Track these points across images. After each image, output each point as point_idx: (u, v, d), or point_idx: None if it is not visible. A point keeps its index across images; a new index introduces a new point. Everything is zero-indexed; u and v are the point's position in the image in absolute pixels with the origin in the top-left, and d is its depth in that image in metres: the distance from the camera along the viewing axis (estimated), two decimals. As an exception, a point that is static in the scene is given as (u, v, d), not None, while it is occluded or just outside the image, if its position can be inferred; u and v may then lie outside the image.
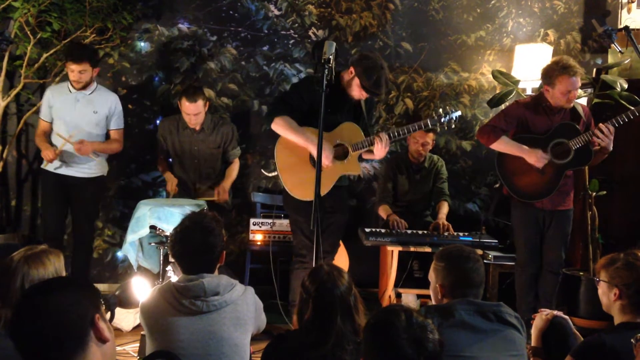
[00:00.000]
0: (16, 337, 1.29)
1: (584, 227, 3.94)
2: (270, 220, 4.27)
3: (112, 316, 2.52)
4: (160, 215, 3.21)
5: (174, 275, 3.05)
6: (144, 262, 3.51)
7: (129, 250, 3.41)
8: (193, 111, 3.94)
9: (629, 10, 4.68)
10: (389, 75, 3.28)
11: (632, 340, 1.77)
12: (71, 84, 3.80)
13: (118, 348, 3.24)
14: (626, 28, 3.49)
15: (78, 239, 3.98)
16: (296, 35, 4.67)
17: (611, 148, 3.41)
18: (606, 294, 2.16)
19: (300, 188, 3.22)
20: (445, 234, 3.84)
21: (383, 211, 4.13)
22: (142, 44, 4.58)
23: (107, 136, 3.96)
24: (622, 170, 4.17)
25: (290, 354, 1.99)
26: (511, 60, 4.56)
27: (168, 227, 3.17)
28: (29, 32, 4.06)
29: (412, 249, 3.77)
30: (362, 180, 4.75)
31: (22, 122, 4.32)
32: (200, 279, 2.11)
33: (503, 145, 3.52)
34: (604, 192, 3.92)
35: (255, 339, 2.32)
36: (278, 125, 3.22)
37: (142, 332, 2.80)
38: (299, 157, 3.25)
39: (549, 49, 4.44)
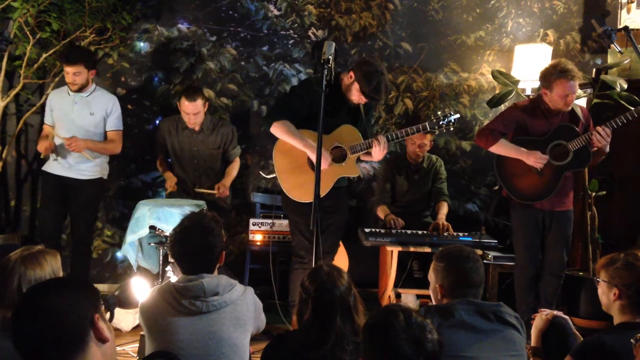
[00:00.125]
0: (16, 337, 1.29)
1: (583, 227, 3.94)
2: (269, 221, 4.27)
3: (112, 316, 2.52)
4: (159, 216, 3.21)
5: (173, 276, 3.05)
6: (143, 262, 3.51)
7: (129, 251, 3.41)
8: (192, 110, 3.94)
9: (628, 11, 4.68)
10: (388, 80, 3.29)
11: (631, 340, 1.77)
12: (68, 87, 3.81)
13: (117, 348, 3.23)
14: (626, 28, 3.49)
15: (76, 240, 3.98)
16: (296, 36, 4.67)
17: (608, 149, 3.41)
18: (606, 294, 2.16)
19: (299, 190, 3.23)
20: (445, 234, 3.84)
21: (381, 212, 4.13)
22: (142, 44, 4.58)
23: (105, 137, 3.95)
24: (622, 170, 4.16)
25: (289, 354, 1.99)
26: (511, 60, 4.56)
27: (167, 228, 3.17)
28: (28, 33, 4.06)
29: (411, 249, 3.77)
30: (361, 181, 4.75)
31: (22, 122, 4.32)
32: (199, 279, 2.11)
33: (501, 148, 3.53)
34: (604, 192, 3.92)
35: (254, 339, 2.32)
36: (277, 130, 3.23)
37: (141, 333, 2.80)
38: (297, 159, 3.26)
39: (549, 49, 4.44)
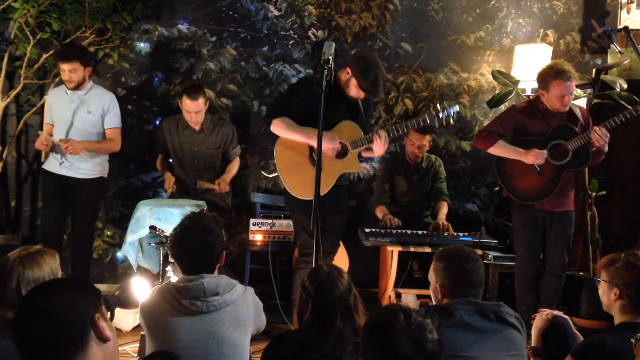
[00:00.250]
0: (17, 337, 1.30)
1: (583, 227, 3.95)
2: (270, 221, 4.27)
3: (112, 316, 2.52)
4: (160, 216, 3.21)
5: (173, 276, 3.05)
6: (143, 262, 3.51)
7: (129, 251, 3.41)
8: (194, 109, 3.95)
9: (628, 11, 4.68)
10: (385, 74, 3.29)
11: (632, 340, 1.77)
12: (66, 85, 3.80)
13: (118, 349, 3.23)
14: (626, 28, 3.49)
15: (77, 239, 3.98)
16: (296, 36, 4.67)
17: (606, 149, 3.41)
18: (606, 294, 2.16)
19: (301, 187, 3.22)
20: (445, 234, 3.84)
21: (380, 212, 4.14)
22: (142, 44, 4.58)
23: (104, 136, 3.94)
24: (622, 170, 4.17)
25: (290, 354, 1.99)
26: (511, 60, 4.56)
27: (168, 228, 3.17)
28: (28, 33, 4.07)
29: (412, 249, 3.77)
30: (362, 181, 4.76)
31: (22, 122, 4.32)
32: (200, 279, 2.11)
33: (500, 150, 3.53)
34: (604, 192, 3.92)
35: (255, 339, 2.32)
36: (277, 127, 3.23)
37: (141, 333, 2.80)
38: (299, 156, 3.26)
39: (549, 50, 4.44)
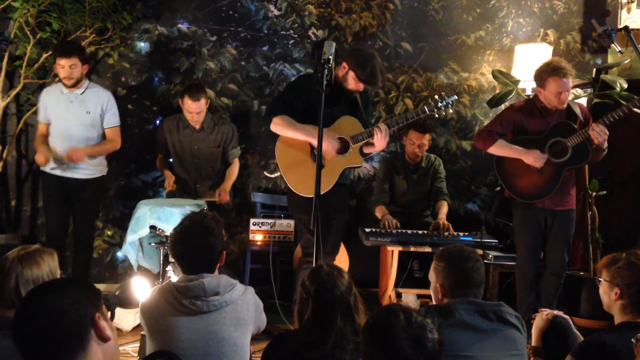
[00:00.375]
0: (17, 337, 1.30)
1: (584, 227, 3.95)
2: (270, 220, 4.27)
3: (112, 316, 2.52)
4: (160, 216, 3.21)
5: (174, 276, 3.05)
6: (144, 262, 3.51)
7: (129, 251, 3.41)
8: (195, 109, 3.95)
9: (628, 10, 4.68)
10: (382, 63, 3.28)
11: (632, 340, 1.77)
12: (63, 84, 3.75)
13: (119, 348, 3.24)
14: (626, 28, 3.49)
15: (78, 239, 3.97)
16: (296, 36, 4.67)
17: (606, 146, 3.41)
18: (607, 294, 2.16)
19: (304, 185, 3.21)
20: (446, 234, 3.84)
21: (379, 212, 4.14)
22: (142, 44, 4.58)
23: (104, 135, 3.94)
24: (622, 170, 4.17)
25: (290, 354, 1.99)
26: (511, 60, 4.56)
27: (168, 227, 3.17)
28: (28, 32, 4.06)
29: (412, 249, 3.77)
30: (362, 180, 4.76)
31: (22, 122, 4.32)
32: (200, 279, 2.11)
33: (500, 149, 3.53)
34: (604, 192, 3.92)
35: (255, 339, 2.32)
36: (277, 125, 3.23)
37: (142, 332, 2.80)
38: (300, 154, 3.26)
39: (549, 49, 4.44)
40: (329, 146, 3.15)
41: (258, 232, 4.29)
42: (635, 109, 3.40)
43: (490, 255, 3.96)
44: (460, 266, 2.09)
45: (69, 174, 3.82)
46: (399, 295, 3.92)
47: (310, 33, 4.67)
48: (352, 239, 3.99)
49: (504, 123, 3.56)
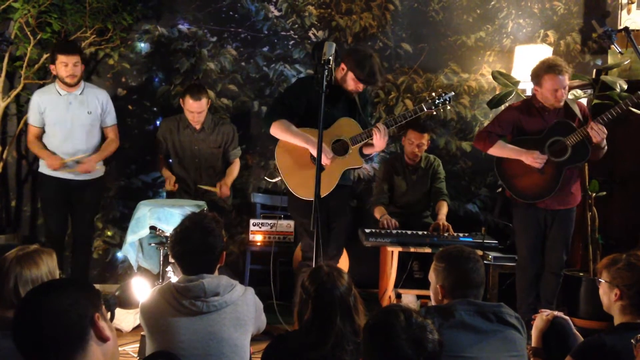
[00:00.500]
0: (17, 337, 1.30)
1: (583, 227, 3.94)
2: (270, 221, 4.27)
3: (112, 317, 2.53)
4: (160, 216, 3.21)
5: (174, 276, 3.05)
6: (144, 262, 3.50)
7: (129, 251, 3.41)
8: (197, 109, 3.95)
9: (628, 11, 4.68)
10: (380, 62, 3.29)
11: (632, 340, 1.77)
12: (65, 83, 3.72)
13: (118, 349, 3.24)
14: (626, 29, 3.49)
15: (78, 239, 3.97)
16: (296, 36, 4.67)
17: (605, 144, 3.41)
18: (607, 295, 2.17)
19: (304, 187, 3.21)
20: (445, 234, 3.84)
21: (378, 212, 4.14)
22: (142, 44, 4.58)
23: (101, 134, 3.94)
24: (622, 170, 4.17)
25: (290, 354, 1.99)
26: (511, 61, 4.56)
27: (168, 228, 3.17)
28: (29, 33, 4.07)
29: (412, 249, 3.77)
30: (362, 181, 4.76)
31: (22, 122, 4.31)
32: (200, 280, 2.11)
33: (500, 150, 3.54)
34: (604, 193, 3.92)
35: (255, 339, 2.32)
36: (276, 129, 3.23)
37: (142, 333, 2.80)
38: (300, 157, 3.26)
39: (549, 50, 4.44)
40: (323, 157, 3.08)
41: (258, 233, 4.29)
42: (633, 109, 3.40)
43: (490, 256, 3.96)
44: (460, 267, 2.09)
45: (70, 175, 3.81)
46: (398, 296, 3.92)
47: (310, 34, 4.68)
48: (352, 240, 3.99)
49: (502, 124, 3.56)
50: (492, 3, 4.75)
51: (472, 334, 1.98)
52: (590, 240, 3.91)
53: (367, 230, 3.82)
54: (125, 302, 2.74)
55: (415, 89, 4.75)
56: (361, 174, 4.74)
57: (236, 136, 4.22)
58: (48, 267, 2.07)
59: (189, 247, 2.20)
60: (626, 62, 4.08)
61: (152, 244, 3.39)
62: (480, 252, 3.73)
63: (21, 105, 4.46)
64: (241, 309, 2.16)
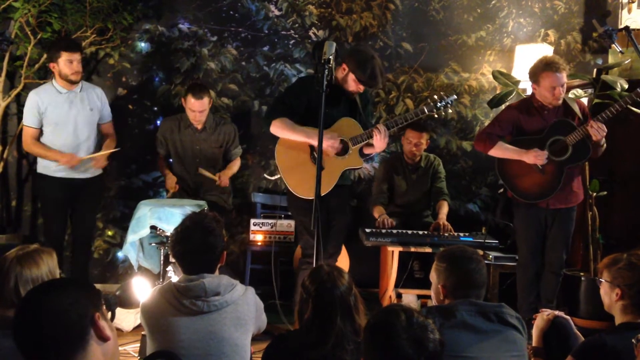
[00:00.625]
0: (17, 336, 1.31)
1: (584, 227, 3.94)
2: (270, 221, 4.27)
3: (113, 316, 2.52)
4: (160, 216, 3.21)
5: (174, 276, 3.05)
6: (144, 262, 3.51)
7: (130, 251, 3.41)
8: (199, 108, 3.95)
9: (629, 11, 4.68)
10: (381, 64, 3.28)
11: (633, 340, 1.77)
12: (66, 81, 3.71)
13: (119, 348, 3.23)
14: (627, 28, 3.49)
15: (79, 239, 3.96)
16: (296, 36, 4.67)
17: (604, 141, 3.42)
18: (608, 294, 2.16)
19: (304, 186, 3.21)
20: (446, 234, 3.83)
21: (376, 212, 4.14)
22: (143, 44, 4.58)
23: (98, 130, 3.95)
24: (623, 170, 4.16)
25: (290, 354, 1.99)
26: (511, 60, 4.56)
27: (168, 228, 3.17)
28: (29, 33, 4.06)
29: (412, 249, 3.77)
30: (362, 181, 4.76)
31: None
32: (200, 279, 2.11)
33: (500, 151, 3.53)
34: (605, 193, 3.91)
35: (255, 339, 2.32)
36: (276, 127, 3.23)
37: (142, 332, 2.80)
38: (300, 156, 3.26)
39: (550, 49, 4.44)
40: (330, 145, 3.15)
41: (258, 233, 4.29)
42: (632, 107, 3.40)
43: (490, 256, 3.97)
44: (462, 267, 2.09)
45: (74, 174, 3.80)
46: (399, 296, 3.92)
47: (310, 33, 4.67)
48: (353, 239, 3.99)
49: (502, 124, 3.56)
50: (493, 2, 4.75)
51: (472, 334, 1.98)
52: (590, 240, 3.91)
53: (368, 230, 3.81)
54: (126, 302, 2.74)
55: (416, 89, 4.75)
56: (361, 174, 4.74)
57: (237, 136, 4.22)
58: (48, 266, 2.07)
59: (190, 247, 2.19)
60: (627, 62, 4.07)
61: (153, 244, 3.40)
62: (480, 252, 3.73)
63: (21, 105, 4.44)
64: (242, 308, 2.16)
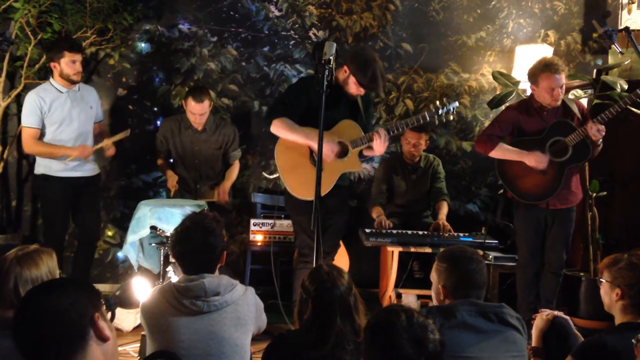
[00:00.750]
0: (17, 337, 1.31)
1: (584, 227, 3.94)
2: (270, 221, 4.27)
3: (113, 316, 2.52)
4: (160, 216, 3.21)
5: (174, 276, 3.05)
6: (144, 262, 3.51)
7: (130, 251, 3.41)
8: (199, 111, 3.95)
9: (629, 11, 4.68)
10: (383, 67, 3.28)
11: (633, 340, 1.77)
12: (67, 81, 3.71)
13: (119, 348, 3.23)
14: (626, 29, 3.49)
15: (83, 238, 3.96)
16: (297, 36, 4.67)
17: (601, 141, 3.41)
18: (608, 294, 2.16)
19: (302, 188, 3.21)
20: (446, 234, 3.83)
21: (375, 213, 4.14)
22: (143, 44, 4.58)
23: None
24: (622, 170, 4.16)
25: (290, 354, 1.99)
26: (511, 61, 4.56)
27: (168, 228, 3.17)
28: (29, 33, 4.07)
29: (412, 249, 3.77)
30: (362, 181, 4.76)
31: (23, 122, 4.32)
32: (200, 279, 2.11)
33: (501, 152, 3.53)
34: (604, 193, 3.92)
35: (255, 339, 2.32)
36: (277, 127, 3.23)
37: (142, 333, 2.80)
38: (300, 157, 3.26)
39: (550, 50, 4.44)
40: (329, 150, 3.15)
41: (258, 233, 4.29)
42: (632, 108, 3.40)
43: (490, 256, 3.97)
44: (462, 267, 2.09)
45: (77, 173, 3.80)
46: (399, 296, 3.92)
47: (310, 34, 4.68)
48: (353, 240, 3.99)
49: (502, 125, 3.56)
50: (493, 3, 4.75)
51: (473, 334, 1.98)
52: (590, 240, 3.91)
53: (368, 230, 3.82)
54: (126, 302, 2.73)
55: (416, 89, 4.75)
56: (361, 174, 4.74)
57: (237, 137, 4.22)
58: (48, 267, 2.06)
59: (190, 247, 2.20)
60: (627, 62, 4.08)
61: (153, 244, 3.40)
62: (480, 252, 3.73)
63: (21, 106, 4.46)
64: (242, 308, 2.16)
